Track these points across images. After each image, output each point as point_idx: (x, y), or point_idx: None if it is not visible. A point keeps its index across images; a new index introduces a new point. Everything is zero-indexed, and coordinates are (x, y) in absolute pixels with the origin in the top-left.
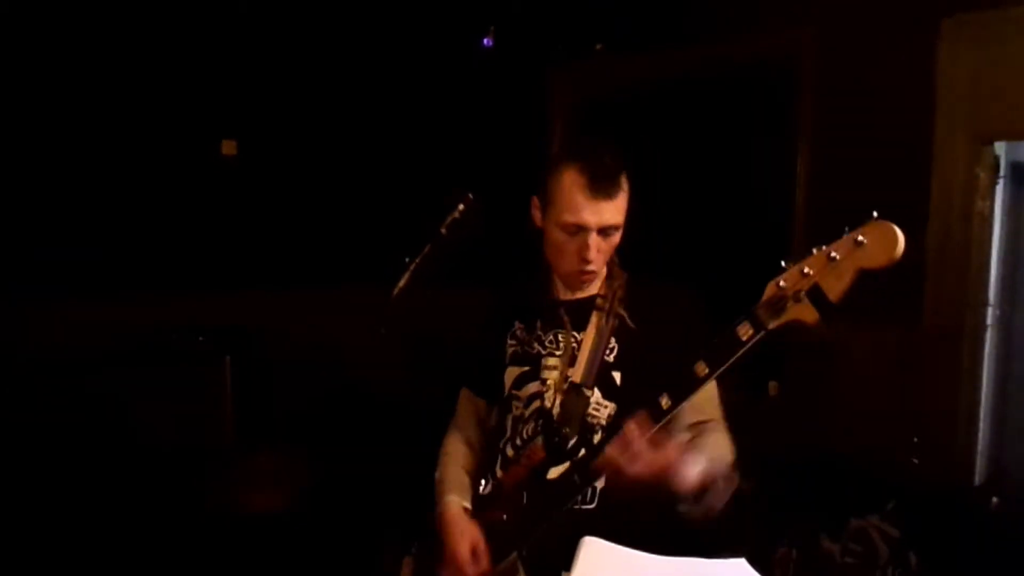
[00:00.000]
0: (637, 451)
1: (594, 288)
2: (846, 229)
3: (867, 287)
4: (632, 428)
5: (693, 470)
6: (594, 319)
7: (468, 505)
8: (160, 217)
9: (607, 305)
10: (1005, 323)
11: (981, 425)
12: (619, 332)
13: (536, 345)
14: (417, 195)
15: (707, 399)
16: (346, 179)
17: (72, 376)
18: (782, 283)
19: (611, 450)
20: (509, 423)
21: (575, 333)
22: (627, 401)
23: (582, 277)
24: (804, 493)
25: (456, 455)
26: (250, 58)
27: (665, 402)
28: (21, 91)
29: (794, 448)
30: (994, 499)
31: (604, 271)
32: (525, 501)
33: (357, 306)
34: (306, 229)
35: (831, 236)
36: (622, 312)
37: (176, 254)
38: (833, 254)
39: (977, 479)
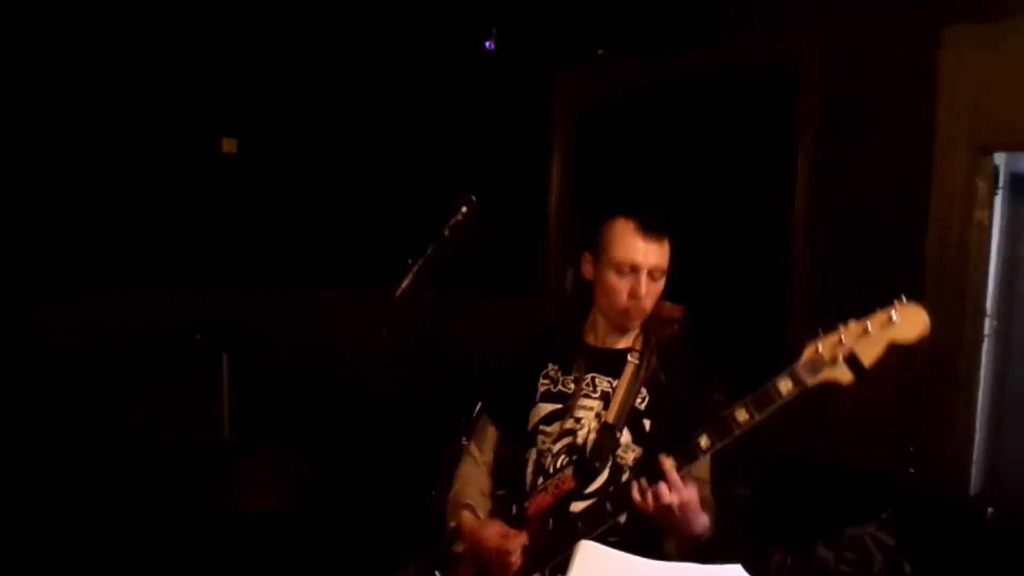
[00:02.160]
0: (670, 484)
1: (627, 342)
2: (876, 310)
3: (864, 294)
4: (666, 462)
5: (703, 519)
6: (629, 368)
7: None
8: (159, 215)
9: (642, 356)
10: (1002, 334)
11: (977, 435)
12: (650, 384)
13: (572, 385)
14: (418, 196)
15: (704, 466)
16: (347, 179)
17: (69, 374)
18: (820, 348)
19: (642, 483)
20: (533, 455)
21: (610, 379)
22: (654, 447)
23: (632, 314)
24: (799, 500)
25: (473, 478)
26: (251, 56)
27: (705, 442)
28: (22, 89)
29: (790, 455)
30: (989, 509)
31: (638, 326)
32: (551, 527)
33: (356, 305)
34: (305, 228)
35: (832, 244)
36: (655, 365)
37: (175, 252)
38: (868, 327)
39: (972, 489)
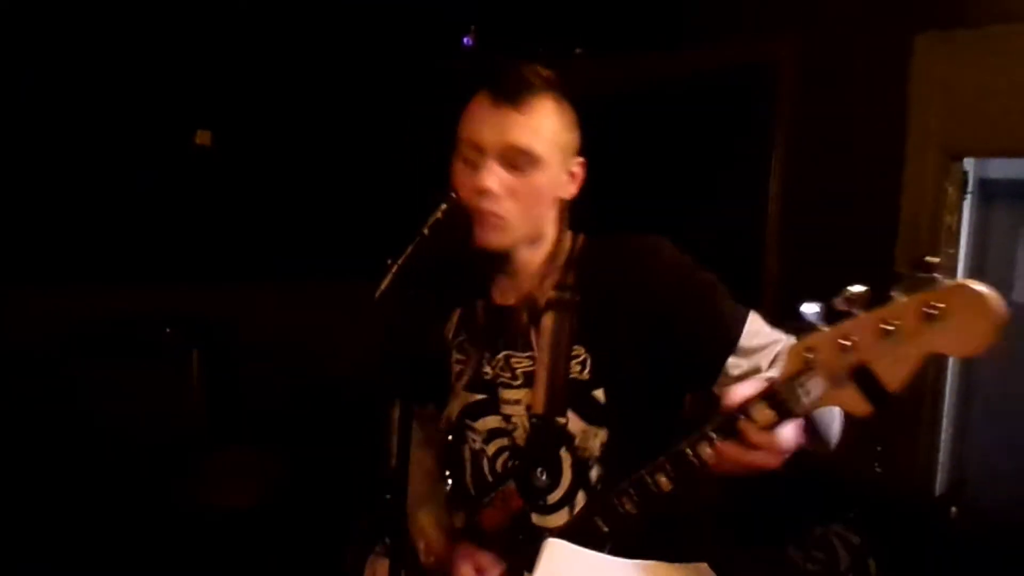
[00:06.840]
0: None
1: (535, 286)
2: (896, 290)
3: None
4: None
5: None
6: (546, 326)
7: (439, 516)
8: (132, 207)
9: (557, 298)
10: None
11: (943, 436)
12: (583, 333)
13: (489, 368)
14: (394, 192)
15: (754, 332)
16: (322, 173)
17: (36, 367)
18: (809, 353)
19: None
20: (468, 455)
21: (529, 354)
22: (620, 422)
23: (483, 220)
24: (767, 499)
25: (422, 467)
26: (227, 48)
27: (664, 482)
28: None
29: None
30: (953, 509)
31: (508, 242)
32: (520, 542)
33: (329, 301)
34: (279, 222)
35: (804, 247)
36: (576, 299)
37: (147, 244)
38: (890, 324)
39: (938, 489)
